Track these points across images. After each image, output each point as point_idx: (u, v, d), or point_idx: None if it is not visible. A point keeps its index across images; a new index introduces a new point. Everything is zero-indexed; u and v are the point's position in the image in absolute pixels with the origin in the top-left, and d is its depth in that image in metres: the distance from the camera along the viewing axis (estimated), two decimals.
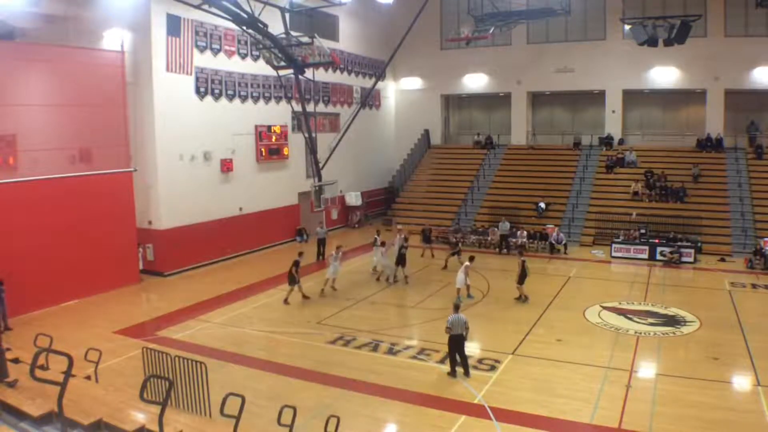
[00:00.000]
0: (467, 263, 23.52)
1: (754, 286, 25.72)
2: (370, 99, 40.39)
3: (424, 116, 45.71)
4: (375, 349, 18.42)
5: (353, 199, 39.22)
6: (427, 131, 45.63)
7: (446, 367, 16.59)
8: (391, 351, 18.23)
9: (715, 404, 14.84)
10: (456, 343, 16.12)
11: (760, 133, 38.47)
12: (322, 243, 30.92)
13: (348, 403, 14.49)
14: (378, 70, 37.94)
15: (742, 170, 36.53)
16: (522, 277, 23.20)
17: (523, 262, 23.42)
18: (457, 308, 16.59)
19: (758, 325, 20.39)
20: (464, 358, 16.28)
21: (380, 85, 42.02)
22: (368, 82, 37.91)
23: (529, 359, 17.69)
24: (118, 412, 10.38)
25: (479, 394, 15.10)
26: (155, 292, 25.21)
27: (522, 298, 23.18)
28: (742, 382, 16.67)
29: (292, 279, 23.08)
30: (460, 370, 16.28)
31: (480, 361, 17.39)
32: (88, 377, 13.19)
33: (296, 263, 23.22)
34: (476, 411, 14.29)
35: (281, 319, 21.57)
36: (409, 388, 15.58)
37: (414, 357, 17.82)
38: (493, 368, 16.85)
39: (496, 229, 33.74)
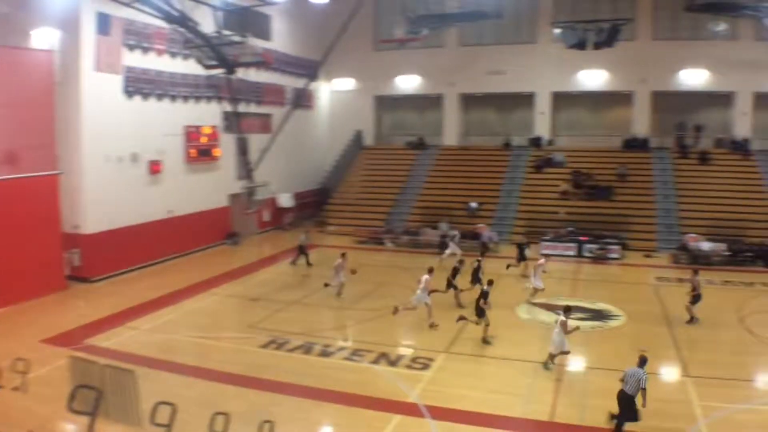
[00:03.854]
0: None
1: (679, 280, 26.52)
2: (303, 99, 40.08)
3: (357, 117, 45.69)
4: (308, 351, 18.22)
5: (285, 200, 38.85)
6: (359, 132, 45.60)
7: (383, 368, 16.59)
8: (324, 353, 18.09)
9: None
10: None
11: (686, 133, 39.85)
12: (304, 250, 29.91)
13: (281, 408, 14.28)
14: (311, 70, 37.68)
15: (667, 169, 37.79)
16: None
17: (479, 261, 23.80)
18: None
19: (683, 318, 21.00)
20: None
21: (313, 85, 41.83)
22: (301, 83, 37.59)
23: (462, 356, 17.85)
24: (48, 423, 10.05)
25: (413, 393, 15.11)
26: (82, 299, 24.41)
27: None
28: (669, 373, 17.22)
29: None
30: None
31: (413, 359, 17.47)
32: (16, 388, 12.72)
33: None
34: (411, 410, 14.31)
35: (212, 324, 21.15)
36: (344, 389, 15.48)
37: (347, 358, 17.73)
38: (426, 366, 16.91)
39: (429, 229, 33.99)
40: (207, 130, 32.45)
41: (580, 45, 33.31)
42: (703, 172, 37.30)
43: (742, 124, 39.77)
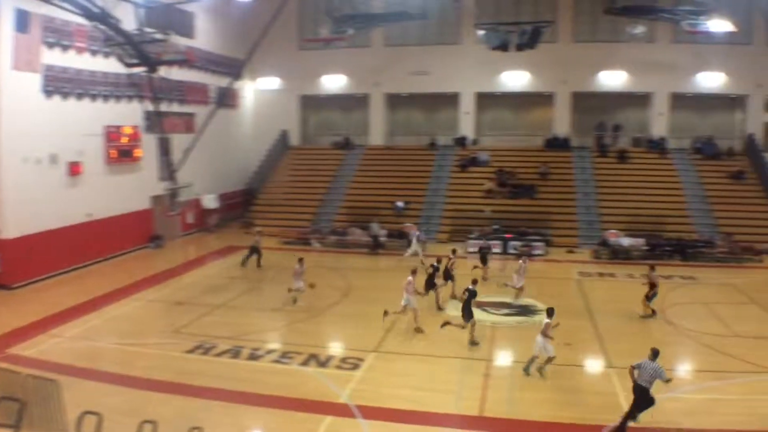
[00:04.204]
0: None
1: (600, 274, 27.22)
2: (227, 98, 39.50)
3: (282, 117, 45.24)
4: (236, 355, 17.88)
5: (210, 201, 38.14)
6: (285, 132, 45.19)
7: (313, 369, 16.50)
8: (252, 356, 17.80)
9: (571, 387, 15.81)
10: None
11: (606, 132, 41.12)
12: (256, 250, 29.25)
13: (210, 413, 14.01)
14: (235, 69, 37.16)
15: (587, 167, 38.96)
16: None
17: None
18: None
19: (605, 311, 21.70)
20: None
21: (237, 84, 41.32)
22: (225, 81, 37.02)
23: (392, 355, 17.91)
24: None
25: (344, 394, 15.07)
26: (3, 307, 23.26)
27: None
28: (594, 364, 17.82)
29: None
30: None
31: (343, 360, 17.42)
32: None
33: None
34: (342, 411, 14.26)
35: (136, 330, 20.51)
36: (273, 392, 15.29)
37: (276, 361, 17.52)
38: (356, 367, 16.88)
39: (357, 229, 34.02)
40: (128, 130, 31.53)
41: (503, 46, 33.95)
42: (621, 170, 38.59)
43: (658, 123, 41.36)
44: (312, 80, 44.81)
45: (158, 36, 23.75)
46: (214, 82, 38.98)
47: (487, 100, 43.68)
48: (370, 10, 37.32)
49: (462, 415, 14.12)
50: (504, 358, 18.23)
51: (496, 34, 34.17)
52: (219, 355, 17.90)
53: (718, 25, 33.13)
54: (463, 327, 18.78)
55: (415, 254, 29.46)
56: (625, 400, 14.43)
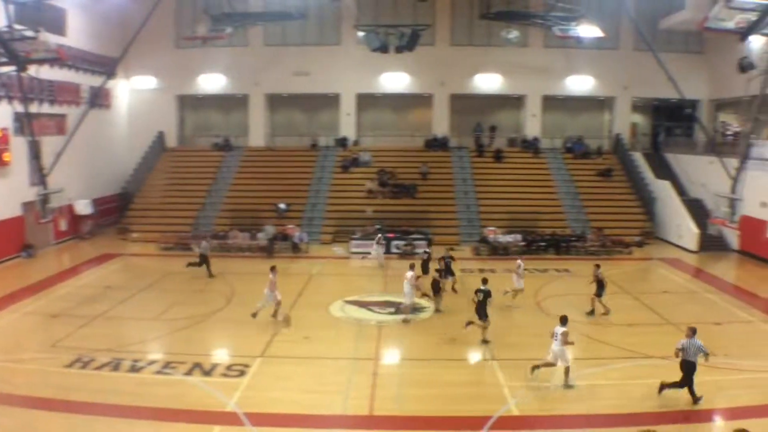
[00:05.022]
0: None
1: (481, 270, 27.99)
2: (100, 98, 37.87)
3: (159, 117, 43.61)
4: (117, 368, 17.00)
5: (83, 207, 36.28)
6: (161, 133, 43.69)
7: (198, 379, 16.10)
8: (134, 368, 17.00)
9: (457, 381, 16.21)
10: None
11: (483, 133, 42.38)
12: (205, 259, 27.69)
13: (92, 429, 13.44)
14: (109, 67, 35.77)
15: (466, 167, 40.16)
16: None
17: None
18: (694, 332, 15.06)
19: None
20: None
21: (112, 83, 39.71)
22: (98, 81, 35.57)
23: (279, 359, 17.73)
24: None
25: (232, 402, 14.77)
26: None
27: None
28: (478, 358, 18.29)
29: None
30: None
31: (229, 367, 17.01)
32: None
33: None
34: (230, 419, 13.93)
35: (11, 345, 19.13)
36: (158, 404, 14.71)
37: (159, 372, 16.85)
38: (242, 373, 16.52)
39: (239, 232, 33.50)
40: None
41: (383, 48, 34.46)
42: (498, 169, 40.02)
43: (532, 124, 43.26)
44: (190, 79, 43.65)
45: (28, 33, 22.59)
46: (86, 81, 37.16)
47: (367, 101, 44.11)
48: (248, 9, 36.91)
49: (352, 416, 14.18)
50: (391, 356, 18.45)
51: (375, 36, 34.62)
52: (99, 368, 17.01)
53: (587, 30, 35.03)
54: (484, 327, 18.96)
55: (376, 258, 29.93)
56: (509, 391, 15.13)
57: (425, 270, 24.01)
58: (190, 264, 27.52)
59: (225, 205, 37.91)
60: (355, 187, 38.73)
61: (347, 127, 43.56)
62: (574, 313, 21.77)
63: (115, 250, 32.18)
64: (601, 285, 21.73)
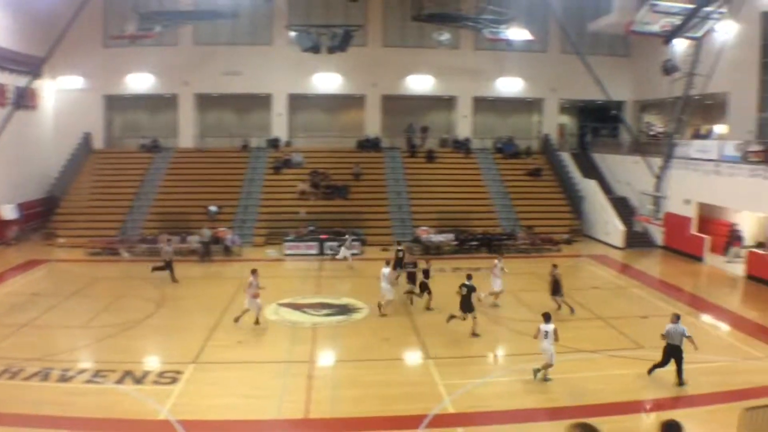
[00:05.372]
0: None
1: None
2: (25, 99, 36.38)
3: (86, 118, 42.02)
4: (46, 378, 16.27)
5: (7, 212, 34.86)
6: (88, 134, 42.31)
7: (129, 387, 15.65)
8: (63, 378, 16.33)
9: (393, 381, 16.24)
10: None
11: (415, 134, 42.66)
12: (170, 264, 26.86)
13: None
14: (34, 67, 34.47)
15: (398, 167, 40.34)
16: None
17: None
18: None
19: (421, 305, 22.52)
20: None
21: (37, 84, 38.17)
22: (23, 81, 34.26)
23: (212, 365, 17.34)
24: None
25: (164, 410, 14.37)
26: None
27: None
28: (413, 357, 18.45)
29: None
30: None
31: (160, 374, 16.51)
32: None
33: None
34: (163, 428, 13.54)
35: None
36: (89, 414, 14.20)
37: (90, 381, 16.19)
38: (175, 380, 16.07)
39: (168, 236, 32.74)
40: None
41: (315, 48, 34.34)
42: (430, 169, 40.31)
43: (463, 125, 43.80)
44: (118, 79, 42.39)
45: None
46: (10, 81, 35.60)
47: (299, 102, 43.82)
48: (179, 7, 36.19)
49: (287, 419, 14.00)
50: (326, 358, 18.32)
51: (307, 36, 34.47)
52: (27, 378, 16.27)
53: (517, 33, 35.69)
54: (464, 319, 19.44)
55: (345, 258, 29.73)
56: (444, 389, 15.28)
57: (413, 281, 23.40)
58: (155, 268, 26.93)
59: (154, 208, 36.90)
60: (287, 188, 38.39)
61: (279, 128, 43.18)
62: (506, 310, 22.25)
63: (41, 255, 31.13)
64: (557, 284, 22.02)
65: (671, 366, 15.71)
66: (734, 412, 12.16)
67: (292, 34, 36.78)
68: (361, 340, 19.49)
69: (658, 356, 15.94)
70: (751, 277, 27.73)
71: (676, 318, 15.81)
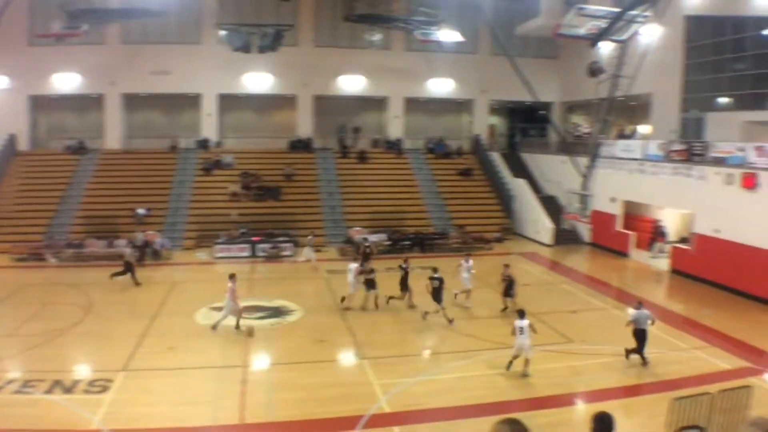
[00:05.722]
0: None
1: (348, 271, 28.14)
2: None
3: (9, 119, 40.26)
4: None
5: None
6: (12, 136, 40.78)
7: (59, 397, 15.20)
8: None
9: (328, 382, 16.24)
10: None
11: (346, 134, 42.73)
12: (131, 267, 26.11)
13: None
14: None
15: (331, 168, 40.31)
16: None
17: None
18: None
19: (358, 305, 22.60)
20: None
21: None
22: None
23: (143, 372, 16.93)
24: None
25: (96, 419, 13.99)
26: None
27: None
28: (348, 358, 18.57)
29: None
30: None
31: (91, 383, 16.01)
32: None
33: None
34: None
35: None
36: (18, 426, 13.63)
37: (18, 392, 15.57)
38: (105, 389, 15.62)
39: (95, 240, 31.98)
40: None
41: (245, 48, 34.06)
42: (362, 170, 40.45)
43: (395, 126, 44.12)
44: (43, 79, 40.90)
45: None
46: None
47: (230, 102, 43.31)
48: (106, 5, 35.36)
49: (222, 425, 13.83)
50: (260, 361, 18.18)
51: (238, 35, 34.21)
52: None
53: (448, 35, 36.16)
54: (436, 311, 20.66)
55: (308, 260, 29.44)
56: (380, 388, 15.45)
57: (405, 287, 23.16)
58: (114, 274, 26.20)
59: (80, 211, 35.82)
60: (218, 190, 37.89)
61: (209, 129, 42.57)
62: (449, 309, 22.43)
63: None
64: (510, 284, 22.29)
65: (609, 357, 16.43)
66: (663, 402, 12.52)
67: (223, 33, 36.42)
68: (296, 342, 19.41)
69: (587, 349, 16.38)
70: (675, 271, 28.86)
71: (639, 305, 17.34)
